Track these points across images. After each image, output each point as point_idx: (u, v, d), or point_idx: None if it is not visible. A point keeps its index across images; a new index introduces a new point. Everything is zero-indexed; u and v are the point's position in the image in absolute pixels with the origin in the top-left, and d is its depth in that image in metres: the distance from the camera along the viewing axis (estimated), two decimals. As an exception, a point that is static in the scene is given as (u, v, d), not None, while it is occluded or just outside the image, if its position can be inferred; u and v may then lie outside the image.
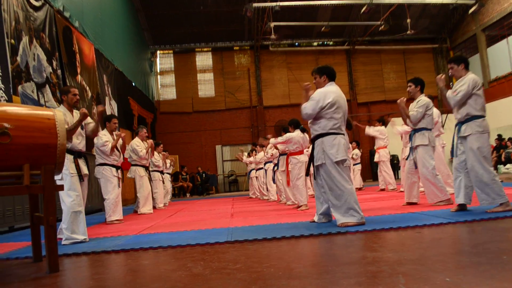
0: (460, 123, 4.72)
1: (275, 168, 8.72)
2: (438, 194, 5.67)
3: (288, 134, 7.24)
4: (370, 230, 3.85)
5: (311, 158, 4.61)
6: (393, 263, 2.49)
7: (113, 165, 6.90)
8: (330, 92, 4.44)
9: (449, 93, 4.75)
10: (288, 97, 20.54)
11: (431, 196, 5.72)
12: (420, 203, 6.08)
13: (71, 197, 4.52)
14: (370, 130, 10.22)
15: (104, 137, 6.82)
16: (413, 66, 21.37)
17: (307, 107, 4.41)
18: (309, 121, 4.58)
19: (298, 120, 7.47)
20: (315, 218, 4.73)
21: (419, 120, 5.78)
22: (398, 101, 5.90)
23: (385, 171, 10.31)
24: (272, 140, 7.36)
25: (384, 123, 10.46)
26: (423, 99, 5.83)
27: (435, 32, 21.57)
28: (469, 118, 4.60)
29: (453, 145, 4.80)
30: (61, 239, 4.54)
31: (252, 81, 20.92)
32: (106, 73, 12.50)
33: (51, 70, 8.55)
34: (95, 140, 6.81)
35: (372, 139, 10.66)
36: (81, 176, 4.75)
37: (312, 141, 4.57)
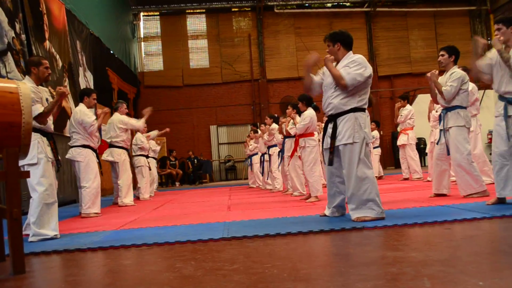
0: None
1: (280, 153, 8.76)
2: (472, 185, 5.69)
3: (308, 113, 7.21)
4: (391, 226, 3.87)
5: (326, 139, 4.60)
6: (418, 264, 2.51)
7: (93, 149, 6.94)
8: (367, 62, 4.50)
9: None
10: (296, 68, 20.45)
11: (464, 187, 5.74)
12: (451, 194, 6.11)
13: (43, 186, 4.54)
14: (401, 119, 10.26)
15: (91, 114, 6.88)
16: (446, 32, 21.22)
17: (355, 74, 4.36)
18: (330, 93, 4.53)
19: (311, 96, 7.46)
20: (327, 212, 4.76)
21: (454, 97, 5.77)
22: (429, 74, 5.88)
23: (410, 157, 10.35)
24: (301, 127, 7.27)
25: (409, 100, 10.44)
26: (457, 71, 5.81)
27: (473, -9, 21.37)
28: None
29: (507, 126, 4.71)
30: (28, 235, 4.57)
31: (253, 49, 20.82)
32: (79, 39, 12.45)
33: (13, 35, 8.51)
34: (78, 118, 6.80)
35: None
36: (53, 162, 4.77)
37: (333, 117, 4.53)
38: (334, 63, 4.62)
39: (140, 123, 8.85)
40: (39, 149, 4.61)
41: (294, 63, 20.62)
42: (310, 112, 7.22)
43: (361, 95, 4.47)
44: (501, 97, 4.78)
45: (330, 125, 4.58)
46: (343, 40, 4.60)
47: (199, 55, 20.93)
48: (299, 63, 20.39)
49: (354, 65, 4.43)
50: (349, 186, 4.37)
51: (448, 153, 5.89)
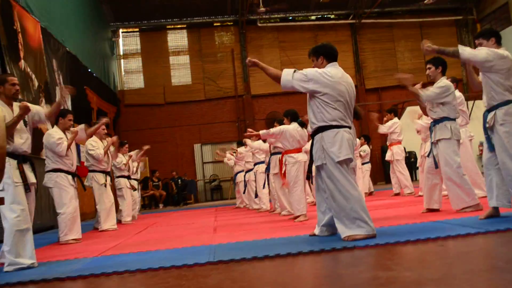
0: (487, 111, 4.77)
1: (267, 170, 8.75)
2: (465, 198, 5.72)
3: (282, 126, 7.25)
4: (383, 244, 3.86)
5: (311, 157, 4.62)
6: (411, 284, 2.50)
7: (68, 172, 6.85)
8: (333, 75, 4.45)
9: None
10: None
11: (456, 201, 5.77)
12: (443, 209, 6.13)
13: (15, 212, 4.46)
14: (383, 129, 10.30)
15: (56, 134, 6.77)
16: (432, 43, 21.43)
17: (295, 77, 4.44)
18: (310, 116, 4.57)
19: (296, 111, 7.50)
20: (316, 231, 4.74)
21: (431, 100, 5.85)
22: (419, 85, 5.96)
23: (399, 172, 10.39)
24: (263, 132, 7.35)
25: (397, 113, 10.52)
26: (443, 81, 5.90)
27: (459, 0, 21.73)
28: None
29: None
30: (3, 264, 4.49)
31: (237, 64, 20.92)
32: (56, 58, 12.40)
33: (-13, 55, 8.45)
34: (44, 141, 6.75)
35: (385, 134, 10.76)
36: (27, 186, 4.70)
37: (312, 136, 4.59)
38: None
39: (96, 154, 8.58)
40: (6, 174, 4.53)
41: (279, 77, 20.69)
42: (287, 126, 7.22)
43: (326, 112, 4.42)
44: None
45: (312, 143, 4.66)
46: (325, 52, 4.65)
47: (181, 71, 20.98)
48: (284, 78, 20.48)
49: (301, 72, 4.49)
50: (333, 206, 4.38)
51: (436, 167, 5.94)
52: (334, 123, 4.43)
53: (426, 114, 6.19)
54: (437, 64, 5.99)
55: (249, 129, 7.59)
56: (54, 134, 6.75)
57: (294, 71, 4.48)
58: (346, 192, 4.30)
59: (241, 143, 12.65)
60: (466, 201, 5.72)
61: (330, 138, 4.40)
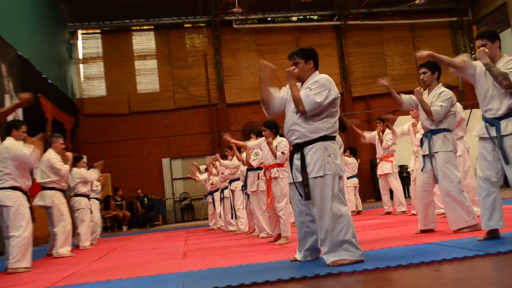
0: (497, 119, 4.71)
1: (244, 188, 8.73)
2: (464, 217, 5.75)
3: (282, 139, 7.24)
4: (372, 270, 3.84)
5: (293, 172, 4.59)
6: (404, 315, 2.48)
7: (23, 191, 6.78)
8: (333, 82, 4.59)
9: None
10: (259, 91, 20.52)
11: (455, 220, 5.80)
12: (438, 229, 6.15)
13: None
14: (386, 143, 10.39)
15: (27, 149, 6.73)
16: (425, 46, 21.48)
17: (314, 96, 4.40)
18: (295, 119, 4.53)
19: (276, 122, 7.49)
20: (298, 256, 4.71)
21: (442, 119, 5.91)
22: (415, 91, 6.00)
23: (395, 188, 10.49)
24: (252, 143, 7.35)
25: (387, 123, 10.61)
26: (447, 91, 5.97)
27: (453, 1, 22.09)
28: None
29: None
30: None
31: (210, 70, 20.92)
32: (5, 62, 12.23)
33: None
34: (14, 153, 6.63)
35: (373, 145, 10.86)
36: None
37: (299, 147, 4.52)
38: (298, 84, 4.66)
39: (64, 169, 8.50)
40: None
41: (257, 84, 20.70)
42: (284, 139, 7.21)
43: (331, 121, 4.51)
44: (483, 116, 4.88)
45: (297, 156, 4.56)
46: (316, 58, 4.71)
47: (147, 77, 20.89)
48: (263, 85, 20.51)
49: (315, 87, 4.47)
50: (321, 226, 4.33)
51: (437, 181, 5.94)
52: (335, 134, 4.55)
53: (403, 110, 6.30)
54: (433, 69, 6.04)
55: (233, 140, 7.65)
56: (24, 148, 6.70)
57: (306, 96, 4.47)
58: (338, 210, 4.28)
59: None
60: (466, 220, 5.74)
61: (334, 150, 4.46)
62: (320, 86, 4.46)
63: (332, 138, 4.52)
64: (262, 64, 4.73)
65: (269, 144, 7.27)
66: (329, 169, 4.36)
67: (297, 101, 4.48)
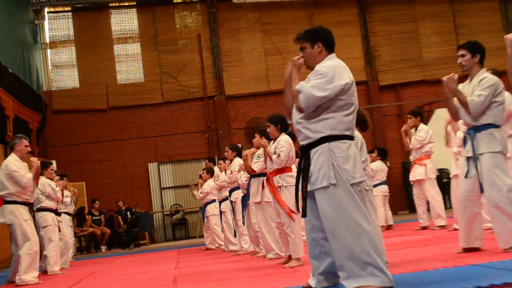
0: None
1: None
2: (516, 234, 5.70)
3: (283, 138, 7.23)
4: (403, 299, 3.81)
5: (300, 178, 4.56)
6: None
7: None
8: (343, 68, 4.48)
9: None
10: (265, 79, 20.59)
11: (505, 237, 5.75)
12: (485, 248, 6.10)
13: None
14: (416, 142, 10.33)
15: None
16: (468, 23, 21.70)
17: (310, 89, 4.35)
18: (297, 117, 4.52)
19: (285, 117, 7.47)
20: (311, 281, 4.68)
21: (483, 111, 5.83)
22: (444, 78, 5.93)
23: (432, 196, 10.41)
24: (276, 159, 7.27)
25: (422, 118, 10.55)
26: (489, 77, 5.91)
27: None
28: None
29: None
30: None
31: (205, 55, 20.89)
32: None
33: None
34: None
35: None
36: None
37: (306, 149, 4.49)
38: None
39: (26, 179, 8.48)
40: None
41: (263, 72, 20.72)
42: (287, 138, 7.20)
43: (338, 117, 4.42)
44: None
45: (303, 161, 4.54)
46: (325, 38, 4.61)
47: (129, 65, 20.89)
48: (270, 72, 20.51)
49: (314, 77, 4.43)
50: (337, 246, 4.27)
51: (482, 190, 5.89)
52: (347, 132, 4.44)
53: (454, 119, 6.18)
54: (473, 51, 5.99)
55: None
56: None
57: (301, 89, 4.42)
58: (357, 226, 4.23)
59: (212, 161, 12.62)
60: (519, 238, 5.69)
61: (342, 152, 4.37)
62: (319, 75, 4.41)
63: (342, 137, 4.42)
64: (294, 59, 4.64)
65: (264, 147, 7.28)
66: (334, 177, 4.31)
67: (293, 97, 4.47)
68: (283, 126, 7.31)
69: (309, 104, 4.37)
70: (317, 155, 4.41)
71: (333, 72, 4.39)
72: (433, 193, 10.45)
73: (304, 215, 4.47)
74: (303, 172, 4.49)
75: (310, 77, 4.46)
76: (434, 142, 10.43)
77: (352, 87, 4.46)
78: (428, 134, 10.34)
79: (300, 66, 4.59)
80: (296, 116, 4.57)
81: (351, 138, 4.47)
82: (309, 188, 4.45)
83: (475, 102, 5.79)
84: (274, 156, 7.18)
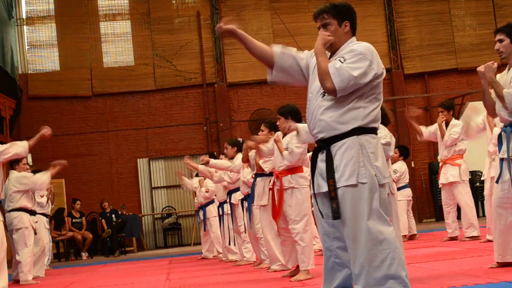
0: None
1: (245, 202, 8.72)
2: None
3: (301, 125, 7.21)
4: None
5: (316, 178, 4.55)
6: None
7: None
8: (377, 54, 4.46)
9: None
10: (274, 65, 20.50)
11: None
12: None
13: None
14: (451, 137, 10.29)
15: None
16: (509, 3, 21.60)
17: (349, 70, 4.30)
18: (321, 103, 4.48)
19: (297, 108, 7.47)
20: (324, 297, 4.68)
21: None
22: (481, 68, 5.91)
23: (464, 202, 10.36)
24: (288, 157, 7.27)
25: (454, 112, 10.51)
26: (530, 66, 5.90)
27: None
28: None
29: None
30: None
31: (205, 36, 20.88)
32: None
33: None
34: None
35: (433, 143, 10.75)
36: None
37: (326, 143, 4.47)
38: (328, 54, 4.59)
39: None
40: None
41: (271, 56, 20.63)
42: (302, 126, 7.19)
43: (369, 107, 4.41)
44: None
45: (322, 156, 4.50)
46: (354, 18, 4.60)
47: (118, 46, 20.92)
48: (279, 57, 20.42)
49: (351, 57, 4.37)
50: (355, 254, 4.26)
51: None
52: (375, 125, 4.44)
53: (494, 115, 6.16)
54: (512, 35, 5.98)
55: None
56: None
57: (338, 69, 4.33)
58: (379, 233, 4.22)
59: (212, 156, 12.58)
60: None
61: (374, 147, 4.36)
62: (356, 55, 4.35)
63: (372, 130, 4.41)
64: (324, 34, 4.60)
65: (277, 142, 7.27)
66: (365, 175, 4.28)
67: (324, 75, 4.35)
68: (295, 118, 7.28)
69: (345, 84, 4.28)
70: (344, 149, 4.34)
71: (372, 55, 4.37)
72: (467, 198, 10.37)
73: (337, 217, 4.40)
74: (327, 168, 4.41)
75: (345, 56, 4.37)
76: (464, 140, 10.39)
77: (383, 75, 4.46)
78: (463, 130, 10.29)
79: (328, 42, 4.50)
80: (316, 102, 4.52)
81: (376, 131, 4.47)
82: (333, 186, 4.35)
83: (510, 93, 5.77)
84: (285, 152, 7.18)
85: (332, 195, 4.35)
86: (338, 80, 4.26)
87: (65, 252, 17.89)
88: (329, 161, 4.39)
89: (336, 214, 4.34)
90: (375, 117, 4.42)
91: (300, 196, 7.10)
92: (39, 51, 20.80)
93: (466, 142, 10.36)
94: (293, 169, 7.21)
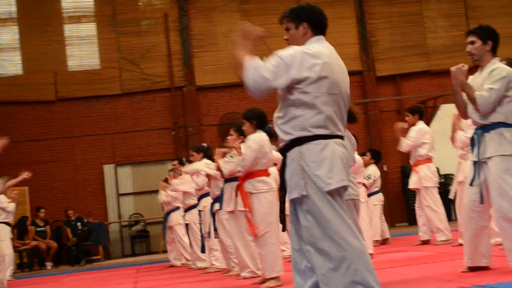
0: None
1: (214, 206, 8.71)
2: (529, 250, 5.74)
3: (254, 137, 7.26)
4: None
5: (283, 185, 4.55)
6: None
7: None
8: (320, 53, 4.39)
9: None
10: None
11: (517, 254, 5.79)
12: (493, 267, 6.13)
13: None
14: (406, 145, 10.36)
15: None
16: (481, 4, 21.75)
17: (261, 67, 4.28)
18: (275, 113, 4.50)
19: (264, 113, 7.50)
20: (293, 303, 4.68)
21: (493, 107, 5.86)
22: (453, 69, 5.95)
23: (429, 207, 10.44)
24: (239, 162, 7.32)
25: (421, 115, 10.59)
26: (501, 67, 5.93)
27: None
28: None
29: None
30: None
31: (173, 38, 20.83)
32: None
33: None
34: None
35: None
36: None
37: (282, 153, 4.50)
38: None
39: None
40: None
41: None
42: (259, 136, 7.21)
43: (307, 114, 4.34)
44: None
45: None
46: (312, 18, 4.57)
47: (82, 49, 20.79)
48: (249, 59, 20.43)
49: (273, 57, 4.34)
50: (316, 264, 4.29)
51: (482, 201, 5.91)
52: (319, 131, 4.34)
53: (466, 117, 6.20)
54: (484, 37, 5.99)
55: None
56: None
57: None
58: (340, 239, 4.21)
59: (181, 162, 12.56)
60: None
61: (314, 155, 4.31)
62: (276, 59, 4.31)
63: (316, 137, 4.35)
64: (245, 28, 4.63)
65: (236, 149, 7.31)
66: (305, 187, 4.27)
67: (238, 66, 4.40)
68: (260, 122, 7.31)
69: (254, 83, 4.27)
70: (290, 161, 4.40)
71: (292, 59, 4.29)
72: (430, 203, 10.44)
73: (283, 229, 4.45)
74: (281, 179, 4.51)
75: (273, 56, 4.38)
76: (428, 143, 10.41)
77: (324, 76, 4.32)
78: (420, 134, 10.33)
79: (256, 36, 4.55)
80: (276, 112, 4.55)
81: (327, 137, 4.38)
82: (288, 197, 4.43)
83: (483, 97, 5.79)
84: (239, 159, 7.23)
85: (281, 207, 4.43)
86: (249, 76, 4.28)
87: (28, 262, 17.77)
88: (283, 172, 4.47)
89: (283, 227, 4.42)
90: (320, 123, 4.34)
91: (257, 201, 7.11)
92: (0, 54, 20.63)
93: (427, 147, 10.40)
94: (251, 174, 7.24)
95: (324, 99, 4.35)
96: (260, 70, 4.25)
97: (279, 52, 4.35)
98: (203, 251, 10.33)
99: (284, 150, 4.47)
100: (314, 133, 4.33)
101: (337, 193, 4.31)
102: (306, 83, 4.31)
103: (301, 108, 4.35)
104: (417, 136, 10.30)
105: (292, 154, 4.37)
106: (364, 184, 11.66)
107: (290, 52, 4.35)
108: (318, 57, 4.35)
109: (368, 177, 12.02)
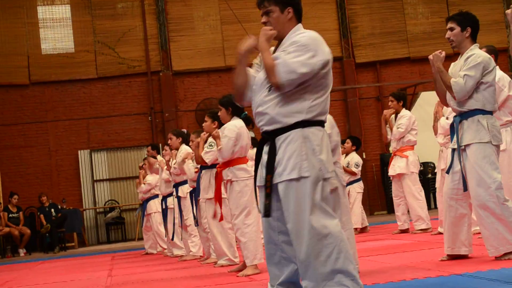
0: None
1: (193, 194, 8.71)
2: (508, 238, 5.76)
3: (232, 125, 7.26)
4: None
5: (259, 171, 4.54)
6: None
7: None
8: (322, 40, 4.42)
9: None
10: (221, 52, 20.48)
11: (495, 242, 5.81)
12: (473, 255, 6.18)
13: None
14: (397, 133, 10.41)
15: None
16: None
17: (294, 63, 4.28)
18: (263, 97, 4.48)
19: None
20: (269, 292, 4.70)
21: (469, 94, 5.89)
22: (430, 56, 5.98)
23: (411, 195, 10.50)
24: (218, 151, 7.35)
25: (405, 102, 10.62)
26: (477, 53, 5.95)
27: None
28: None
29: None
30: None
31: (150, 22, 20.73)
32: None
33: None
34: None
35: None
36: None
37: (270, 136, 4.47)
38: (272, 48, 4.57)
39: None
40: None
41: (218, 43, 20.63)
42: (236, 124, 7.23)
43: (315, 99, 4.41)
44: None
45: (266, 149, 4.50)
46: (297, 4, 4.57)
47: (56, 31, 20.63)
48: (227, 45, 20.44)
49: (295, 49, 4.33)
50: (300, 250, 4.27)
51: (465, 189, 5.95)
52: (321, 117, 4.41)
53: (446, 104, 6.24)
54: (463, 24, 6.00)
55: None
56: None
57: (283, 63, 4.32)
58: (322, 227, 4.22)
59: (156, 148, 12.53)
60: (511, 243, 5.75)
61: (319, 140, 4.33)
62: (300, 46, 4.31)
63: (318, 123, 4.40)
64: (265, 29, 4.58)
65: (215, 138, 7.37)
66: (308, 168, 4.26)
67: (269, 71, 4.32)
68: (236, 109, 7.31)
69: (290, 79, 4.27)
70: (287, 142, 4.33)
71: (316, 45, 4.33)
72: (414, 190, 10.47)
73: (268, 214, 4.42)
74: (268, 162, 4.42)
75: (289, 49, 4.35)
76: (417, 129, 10.48)
77: (330, 64, 4.41)
78: (410, 121, 10.40)
79: (271, 37, 4.51)
80: (261, 95, 4.55)
81: (323, 124, 4.46)
82: (274, 180, 4.38)
83: (459, 84, 5.82)
84: (216, 148, 7.26)
85: (267, 191, 4.37)
86: (282, 75, 4.26)
87: (1, 248, 17.69)
88: (271, 155, 4.38)
89: (267, 212, 4.37)
90: (322, 109, 4.40)
91: (238, 188, 7.13)
92: (-28, 37, 20.48)
93: (415, 133, 10.48)
94: (231, 162, 7.24)
95: (327, 85, 4.43)
96: (290, 65, 4.26)
97: (301, 39, 4.36)
98: (173, 238, 10.37)
99: (274, 133, 4.43)
100: (318, 119, 4.39)
101: (328, 181, 4.34)
102: (328, 67, 4.38)
103: (311, 93, 4.36)
104: (408, 123, 10.35)
105: (292, 135, 4.33)
106: (352, 172, 11.81)
107: (309, 38, 4.38)
108: (323, 42, 4.42)
109: (356, 164, 12.09)
